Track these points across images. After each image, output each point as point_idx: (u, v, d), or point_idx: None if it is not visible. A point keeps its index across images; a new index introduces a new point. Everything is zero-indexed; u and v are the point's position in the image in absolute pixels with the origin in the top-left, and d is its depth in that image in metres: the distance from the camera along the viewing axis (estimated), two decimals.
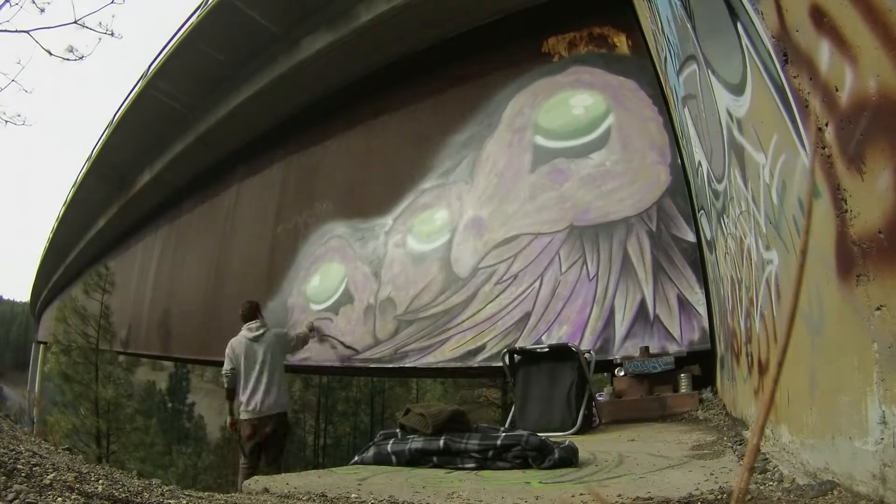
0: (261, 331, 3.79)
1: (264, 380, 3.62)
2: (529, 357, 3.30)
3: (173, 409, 27.18)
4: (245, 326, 3.88)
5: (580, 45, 4.90)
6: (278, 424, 3.65)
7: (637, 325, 3.88)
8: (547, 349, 3.25)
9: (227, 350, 3.91)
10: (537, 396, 3.10)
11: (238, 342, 3.84)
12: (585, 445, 2.15)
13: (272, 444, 3.64)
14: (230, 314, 7.91)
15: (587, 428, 2.99)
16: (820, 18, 1.04)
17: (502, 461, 1.91)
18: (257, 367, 3.65)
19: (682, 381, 3.44)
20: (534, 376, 3.18)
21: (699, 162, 2.91)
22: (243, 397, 3.67)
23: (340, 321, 5.95)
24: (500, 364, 3.39)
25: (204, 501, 1.25)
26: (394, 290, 5.51)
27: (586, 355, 3.15)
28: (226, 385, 3.83)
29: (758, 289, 1.78)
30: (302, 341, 4.26)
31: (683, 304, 3.73)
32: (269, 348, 3.74)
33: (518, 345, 3.38)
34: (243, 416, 3.66)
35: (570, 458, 1.87)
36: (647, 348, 3.68)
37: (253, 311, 3.99)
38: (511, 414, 3.21)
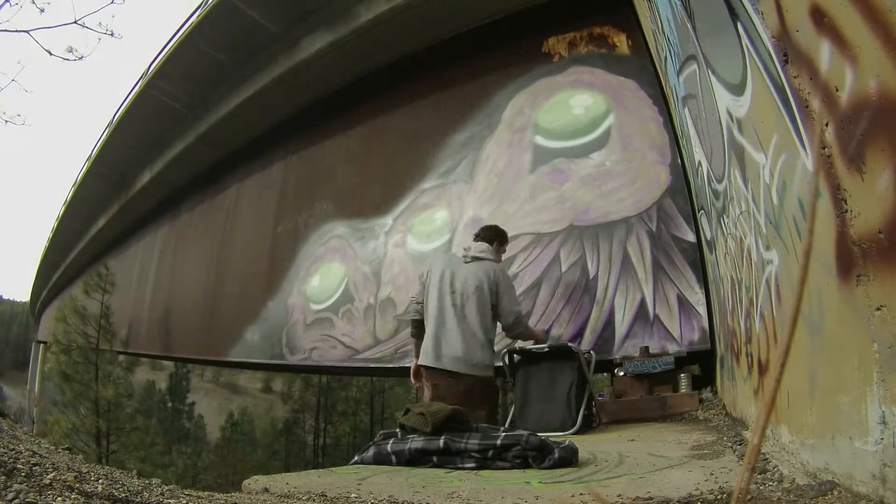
0: (482, 254, 2.77)
1: (463, 320, 2.65)
2: (529, 357, 3.29)
3: (173, 409, 27.22)
4: (464, 247, 2.96)
5: (580, 45, 4.90)
6: (478, 389, 2.66)
7: (637, 325, 3.88)
8: (547, 349, 3.23)
9: (421, 272, 3.03)
10: (538, 396, 3.08)
11: (440, 260, 2.95)
12: (585, 445, 2.15)
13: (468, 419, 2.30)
14: (230, 314, 7.94)
15: (587, 428, 2.98)
16: (820, 18, 1.04)
17: (502, 461, 1.91)
18: (455, 300, 2.68)
19: (682, 381, 3.44)
20: (534, 376, 3.16)
21: (699, 162, 2.91)
22: (430, 337, 2.73)
23: (340, 321, 5.95)
24: (500, 364, 3.38)
25: (204, 501, 1.25)
26: (394, 290, 5.51)
27: (586, 355, 3.14)
28: (411, 315, 2.97)
29: (758, 289, 1.78)
30: (522, 327, 3.03)
31: (683, 304, 3.73)
32: (478, 280, 2.72)
33: (518, 345, 3.37)
34: (422, 360, 2.77)
35: (570, 458, 1.87)
36: (647, 348, 3.68)
37: (490, 236, 2.96)
38: (511, 414, 3.20)
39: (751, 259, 1.88)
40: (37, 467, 1.03)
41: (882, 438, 0.93)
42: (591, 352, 3.31)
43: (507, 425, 2.89)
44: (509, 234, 4.67)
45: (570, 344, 3.36)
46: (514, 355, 3.32)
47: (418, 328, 2.93)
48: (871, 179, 0.93)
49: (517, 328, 2.93)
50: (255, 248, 7.82)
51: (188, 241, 10.05)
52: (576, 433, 2.80)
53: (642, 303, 3.91)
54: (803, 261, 0.40)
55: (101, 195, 12.43)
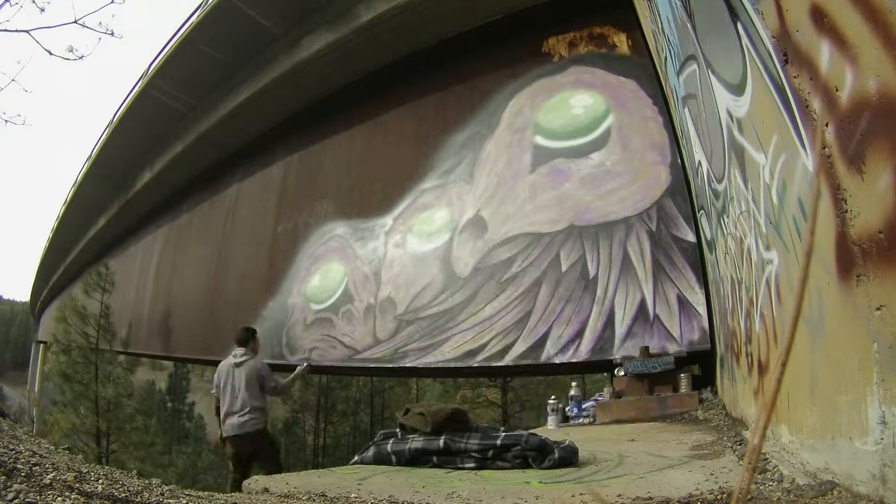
0: (244, 358, 3.95)
1: (238, 403, 3.82)
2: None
3: (173, 409, 27.19)
4: (233, 352, 4.05)
5: (580, 45, 4.90)
6: (257, 441, 3.83)
7: (637, 325, 3.88)
8: None
9: (214, 376, 4.17)
10: None
11: (224, 365, 4.06)
12: (585, 445, 2.15)
13: (263, 458, 3.87)
14: (230, 314, 7.94)
15: None
16: (820, 18, 1.04)
17: (502, 461, 1.91)
18: (232, 391, 3.86)
19: (682, 381, 3.44)
20: None
21: (699, 162, 2.91)
22: (223, 417, 3.89)
23: (340, 321, 5.95)
24: (501, 364, 3.39)
25: (204, 501, 1.25)
26: (394, 290, 5.51)
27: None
28: (213, 403, 4.08)
29: (758, 289, 1.78)
30: (281, 390, 4.28)
31: (683, 304, 3.73)
32: (247, 375, 3.92)
33: (518, 344, 3.37)
34: (226, 433, 3.90)
35: (570, 458, 1.87)
36: (647, 348, 3.68)
37: (245, 339, 4.09)
38: None
39: (751, 259, 1.88)
40: (37, 467, 1.03)
41: (882, 438, 0.93)
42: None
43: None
44: (509, 234, 4.70)
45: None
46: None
47: (218, 413, 3.97)
48: (871, 179, 0.93)
49: (277, 392, 4.14)
50: (255, 248, 7.82)
51: (188, 241, 10.05)
52: None
53: (642, 303, 3.91)
54: (805, 261, 0.40)
55: (101, 195, 12.43)
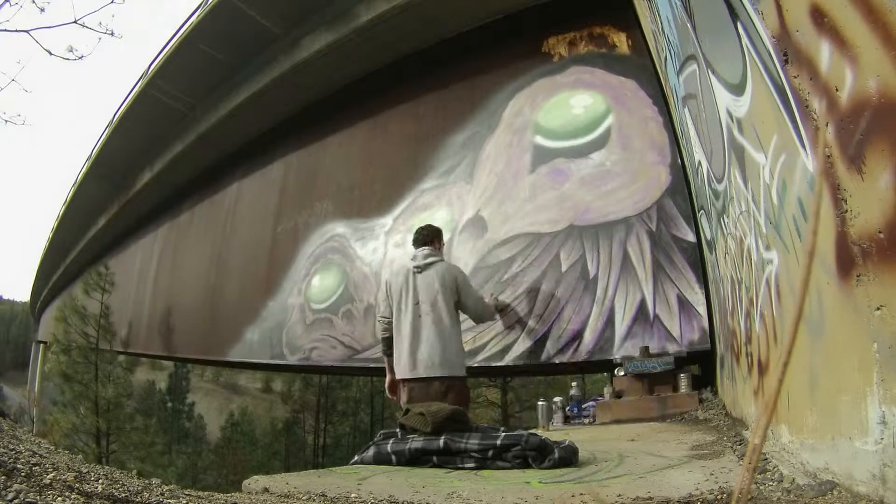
0: (429, 260, 2.82)
1: (425, 330, 2.75)
2: None
3: (173, 409, 27.20)
4: (411, 255, 3.00)
5: (580, 45, 4.90)
6: (453, 388, 2.74)
7: (637, 325, 3.87)
8: None
9: (381, 286, 3.09)
10: None
11: (394, 274, 3.00)
12: (585, 445, 2.15)
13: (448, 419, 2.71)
14: (230, 314, 7.94)
15: None
16: (820, 18, 1.04)
17: (502, 461, 1.91)
18: (414, 311, 2.78)
19: (682, 381, 3.44)
20: None
21: (699, 162, 2.91)
22: (400, 351, 2.83)
23: (340, 321, 5.95)
24: (501, 364, 3.38)
25: (204, 501, 1.25)
26: None
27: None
28: (381, 334, 3.02)
29: (758, 289, 1.78)
30: (489, 311, 3.18)
31: (683, 304, 3.73)
32: (438, 284, 2.78)
33: (518, 344, 3.37)
34: (402, 374, 2.85)
35: (570, 458, 1.87)
36: (647, 348, 3.68)
37: (428, 236, 3.05)
38: None
39: (751, 259, 1.88)
40: (37, 467, 1.03)
41: (882, 438, 0.93)
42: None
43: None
44: (509, 234, 4.68)
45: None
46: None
47: (389, 346, 3.06)
48: (871, 179, 0.93)
49: (484, 316, 3.21)
50: (255, 248, 7.82)
51: (188, 240, 10.05)
52: None
53: (642, 303, 3.91)
54: (806, 261, 0.40)
55: (101, 195, 12.43)
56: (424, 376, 2.80)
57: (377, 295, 3.25)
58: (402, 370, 2.87)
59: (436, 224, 5.26)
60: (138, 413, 16.41)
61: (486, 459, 1.92)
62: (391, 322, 3.02)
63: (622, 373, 3.65)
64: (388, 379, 3.10)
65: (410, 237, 5.56)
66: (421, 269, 2.91)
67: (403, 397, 2.90)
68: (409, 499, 1.48)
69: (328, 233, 6.57)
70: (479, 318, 3.18)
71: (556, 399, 3.50)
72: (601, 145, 4.48)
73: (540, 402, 3.42)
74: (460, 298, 2.92)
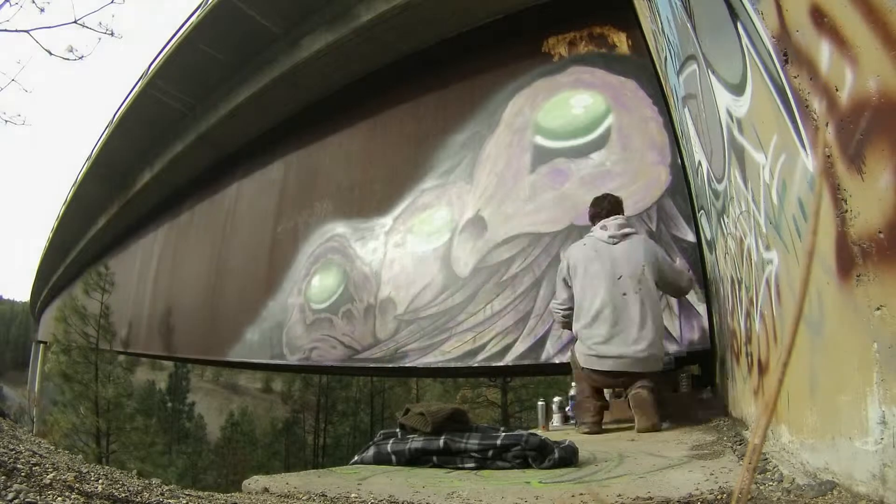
0: (626, 230, 2.41)
1: (626, 313, 2.25)
2: None
3: (173, 409, 27.19)
4: (599, 225, 2.53)
5: (580, 45, 4.90)
6: (656, 384, 2.33)
7: None
8: None
9: (560, 267, 2.55)
10: None
11: (582, 247, 2.47)
12: (585, 445, 2.15)
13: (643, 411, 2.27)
14: (230, 314, 7.94)
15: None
16: (820, 18, 1.04)
17: (502, 461, 1.91)
18: (609, 291, 2.28)
19: (682, 381, 3.44)
20: None
21: (699, 162, 2.91)
22: (585, 335, 2.35)
23: (340, 321, 5.95)
24: (501, 364, 3.38)
25: (204, 501, 1.24)
26: (394, 290, 5.51)
27: None
28: (561, 317, 2.55)
29: (758, 289, 1.78)
30: (686, 282, 2.65)
31: (683, 303, 3.73)
32: (643, 258, 2.33)
33: (518, 344, 3.37)
34: (594, 364, 2.36)
35: (570, 458, 1.87)
36: None
37: (618, 205, 2.61)
38: None
39: (751, 259, 1.88)
40: (37, 467, 1.03)
41: (882, 438, 0.93)
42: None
43: None
44: (509, 234, 4.69)
45: None
46: None
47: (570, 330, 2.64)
48: (871, 179, 0.93)
49: (689, 288, 2.72)
50: (255, 248, 7.82)
51: (188, 240, 10.05)
52: None
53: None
54: (806, 261, 0.40)
55: (101, 195, 12.44)
56: (632, 370, 2.36)
57: (557, 277, 2.62)
58: (594, 360, 2.39)
59: (436, 224, 5.26)
60: (138, 413, 16.41)
61: (486, 459, 1.92)
62: (571, 308, 2.51)
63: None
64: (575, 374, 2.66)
65: (410, 237, 5.63)
66: (617, 239, 2.43)
67: (594, 397, 2.45)
68: (409, 499, 1.48)
69: (328, 233, 6.57)
70: (683, 291, 2.72)
71: (556, 399, 3.49)
72: (601, 145, 4.48)
73: (539, 402, 3.42)
74: (662, 275, 2.44)
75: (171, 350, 10.20)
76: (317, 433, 22.85)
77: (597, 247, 2.42)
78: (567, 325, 2.62)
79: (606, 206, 2.65)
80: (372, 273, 5.83)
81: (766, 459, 1.52)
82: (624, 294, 2.32)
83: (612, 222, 2.51)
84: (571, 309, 2.53)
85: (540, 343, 4.24)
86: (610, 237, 2.44)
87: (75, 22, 3.39)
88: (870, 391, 0.95)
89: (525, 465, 1.87)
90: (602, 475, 1.67)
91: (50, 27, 3.38)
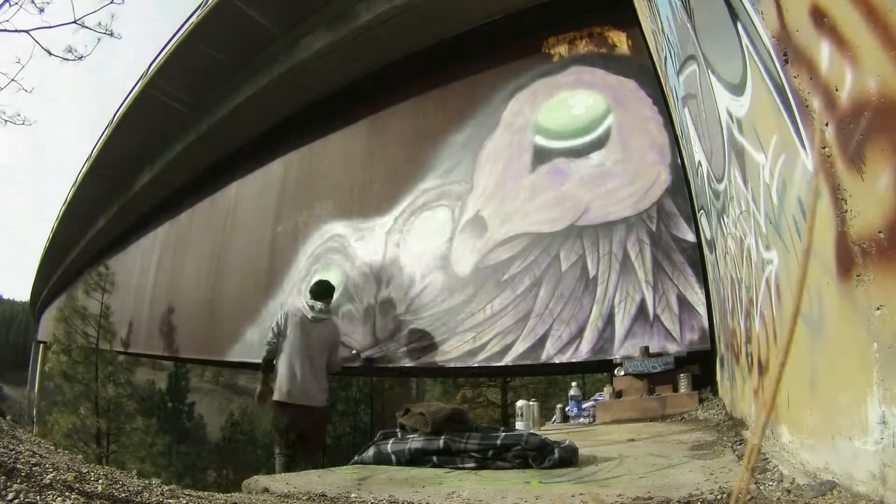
0: (324, 315, 3.50)
1: (307, 366, 3.36)
2: None
3: (173, 409, 27.16)
4: (308, 302, 3.60)
5: (580, 45, 4.90)
6: (321, 419, 3.45)
7: (637, 325, 3.87)
8: None
9: (277, 318, 3.64)
10: None
11: (294, 313, 3.58)
12: (585, 445, 2.15)
13: (313, 443, 3.44)
14: (230, 314, 7.93)
15: None
16: (820, 18, 1.04)
17: (502, 461, 1.91)
18: (304, 349, 3.39)
19: (682, 381, 3.44)
20: None
21: (699, 162, 2.91)
22: (283, 378, 3.38)
23: (340, 321, 5.95)
24: (501, 364, 3.39)
25: (204, 501, 1.24)
26: (394, 290, 5.51)
27: None
28: (265, 354, 3.56)
29: (758, 289, 1.78)
30: (339, 367, 3.92)
31: (683, 304, 3.73)
32: (326, 337, 3.46)
33: (518, 344, 3.38)
34: (281, 397, 3.39)
35: (570, 458, 1.87)
36: (647, 348, 3.68)
37: (326, 291, 3.67)
38: None
39: (751, 259, 1.88)
40: (37, 467, 1.03)
41: (882, 438, 0.93)
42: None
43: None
44: (509, 234, 4.69)
45: None
46: None
47: (269, 367, 3.60)
48: (871, 179, 0.93)
49: (337, 368, 3.86)
50: (254, 248, 7.82)
51: (188, 240, 10.04)
52: None
53: (642, 303, 3.91)
54: (803, 260, 0.40)
55: (101, 195, 12.43)
56: (304, 404, 3.40)
57: (274, 320, 3.73)
58: (284, 395, 3.39)
59: (436, 224, 5.31)
60: (138, 413, 16.39)
61: (486, 459, 1.92)
62: (276, 347, 3.59)
63: (622, 373, 3.65)
64: (259, 389, 3.72)
65: (410, 237, 5.63)
66: (317, 320, 3.50)
67: (283, 417, 3.41)
68: (409, 499, 1.48)
69: (328, 233, 6.57)
70: (333, 369, 3.79)
71: (519, 403, 3.53)
72: (601, 145, 4.47)
73: (518, 403, 3.46)
74: (331, 353, 3.58)
75: (171, 350, 10.19)
76: None
77: (303, 320, 3.44)
78: (270, 360, 3.56)
79: (318, 292, 3.67)
80: (372, 273, 5.83)
81: (766, 459, 1.52)
82: (309, 356, 3.40)
83: (317, 304, 3.51)
84: (276, 347, 3.56)
85: (540, 343, 4.24)
86: (312, 317, 3.44)
87: (75, 22, 3.39)
88: (870, 391, 0.95)
89: (525, 465, 1.87)
90: (602, 475, 1.67)
91: (50, 27, 3.39)
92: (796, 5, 1.13)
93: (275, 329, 3.60)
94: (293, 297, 6.70)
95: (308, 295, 3.76)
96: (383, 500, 1.48)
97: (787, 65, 1.20)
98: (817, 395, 1.24)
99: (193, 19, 7.26)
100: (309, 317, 3.51)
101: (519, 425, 3.37)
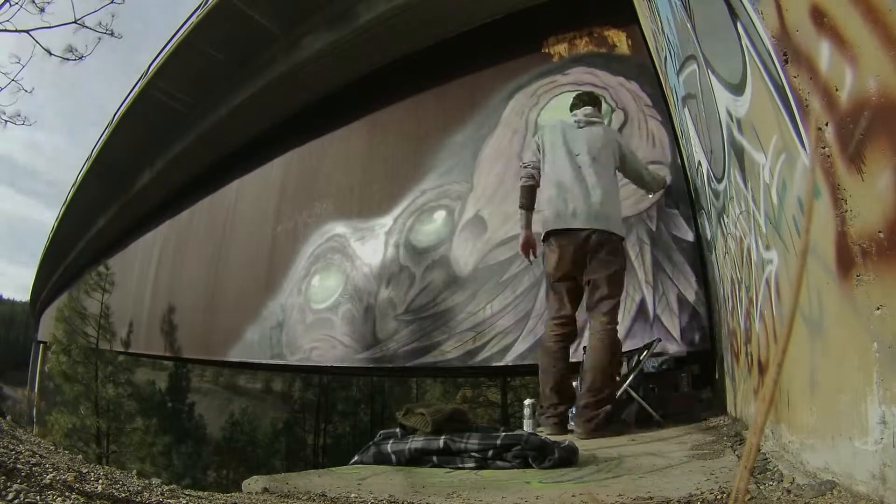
0: (594, 119, 2.70)
1: (585, 183, 2.50)
2: None
3: (173, 409, 27.15)
4: (573, 113, 2.83)
5: (580, 45, 4.90)
6: (613, 252, 2.50)
7: (637, 325, 3.87)
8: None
9: (535, 139, 2.88)
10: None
11: (553, 127, 2.78)
12: (585, 445, 2.15)
13: (605, 284, 2.48)
14: (230, 314, 7.94)
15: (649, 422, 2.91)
16: (820, 18, 1.04)
17: (502, 461, 1.91)
18: (571, 164, 2.57)
19: (682, 381, 3.44)
20: None
21: (699, 162, 2.91)
22: (552, 198, 2.58)
23: (340, 321, 5.95)
24: (501, 364, 3.39)
25: (204, 501, 1.24)
26: (393, 290, 5.51)
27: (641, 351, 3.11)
28: (522, 182, 2.78)
29: (758, 289, 1.78)
30: (647, 174, 2.95)
31: (683, 304, 3.73)
32: (602, 144, 2.63)
33: (518, 344, 3.38)
34: (553, 225, 2.57)
35: (570, 458, 1.87)
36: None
37: (594, 100, 2.85)
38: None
39: (751, 259, 1.88)
40: (37, 467, 1.03)
41: (882, 438, 0.93)
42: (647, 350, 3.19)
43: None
44: (509, 234, 4.68)
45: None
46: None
47: (529, 198, 2.87)
48: (871, 179, 0.93)
49: (653, 183, 3.01)
50: (255, 248, 7.82)
51: (188, 240, 10.05)
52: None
53: (642, 303, 3.91)
54: (800, 260, 0.40)
55: (101, 195, 12.44)
56: (587, 227, 2.55)
57: (524, 150, 3.03)
58: (554, 221, 2.63)
59: (436, 224, 5.26)
60: (138, 413, 16.40)
61: (486, 459, 1.92)
62: (538, 169, 2.78)
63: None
64: (523, 235, 2.90)
65: (410, 237, 5.63)
66: (583, 124, 2.73)
67: (551, 254, 2.66)
68: (409, 499, 1.48)
69: (328, 233, 6.57)
70: (647, 184, 2.98)
71: (527, 402, 3.47)
72: None
73: (527, 401, 3.43)
74: (625, 164, 2.75)
75: (171, 350, 10.20)
76: (317, 433, 22.86)
77: (564, 129, 2.75)
78: (530, 185, 2.84)
79: (580, 100, 2.94)
80: (372, 273, 5.83)
81: (766, 459, 1.52)
82: (579, 167, 2.63)
83: (581, 111, 2.81)
84: (538, 168, 2.83)
85: (540, 343, 4.24)
86: (576, 121, 2.76)
87: (75, 22, 3.40)
88: (870, 391, 0.95)
89: (525, 465, 1.87)
90: (602, 475, 1.67)
91: (50, 27, 3.39)
92: (796, 5, 1.14)
93: (535, 148, 2.80)
94: (293, 297, 6.70)
95: (570, 110, 2.90)
96: (383, 500, 1.48)
97: (786, 65, 1.20)
98: (817, 395, 1.24)
99: (193, 19, 7.26)
100: (575, 123, 2.69)
101: (526, 423, 3.36)
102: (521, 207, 2.90)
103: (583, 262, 2.60)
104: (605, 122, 3.03)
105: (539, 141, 2.86)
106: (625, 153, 2.82)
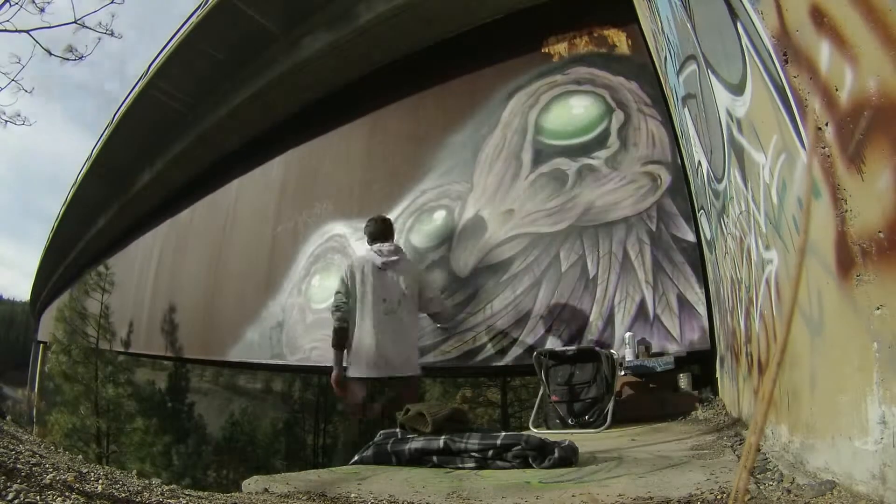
0: (394, 257, 2.76)
1: (393, 325, 2.63)
2: (557, 358, 3.35)
3: (173, 409, 27.14)
4: (373, 248, 2.88)
5: (580, 45, 4.90)
6: (411, 387, 2.71)
7: (637, 325, 3.87)
8: (573, 352, 3.30)
9: (342, 273, 2.91)
10: (561, 395, 3.17)
11: (360, 264, 2.81)
12: (585, 445, 2.15)
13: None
14: (230, 314, 7.94)
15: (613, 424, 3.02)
16: (820, 18, 1.04)
17: (502, 461, 1.91)
18: (382, 306, 2.65)
19: (682, 381, 3.44)
20: (560, 377, 3.26)
21: (699, 162, 2.91)
22: (357, 344, 2.69)
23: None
24: (501, 364, 3.39)
25: (204, 501, 1.24)
26: None
27: (609, 355, 3.20)
28: (335, 324, 2.78)
29: (758, 289, 1.78)
30: (447, 312, 3.03)
31: (683, 304, 3.73)
32: (405, 283, 2.70)
33: (518, 344, 3.38)
34: (355, 373, 2.70)
35: (570, 458, 1.87)
36: (647, 347, 3.68)
37: (388, 230, 2.90)
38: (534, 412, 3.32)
39: (751, 259, 1.88)
40: (37, 467, 1.03)
41: (882, 438, 0.93)
42: (614, 352, 3.35)
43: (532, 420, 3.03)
44: (509, 234, 4.69)
45: (595, 347, 3.41)
46: (542, 357, 3.41)
47: (343, 337, 2.89)
48: (871, 179, 0.93)
49: (443, 312, 3.15)
50: (254, 248, 7.82)
51: (188, 241, 10.05)
52: (606, 429, 2.91)
53: (642, 303, 3.91)
54: (798, 260, 0.40)
55: (101, 195, 12.44)
56: (390, 375, 2.76)
57: (339, 277, 3.09)
58: (363, 369, 2.78)
59: (436, 224, 5.27)
60: (138, 413, 16.40)
61: (486, 459, 1.92)
62: (349, 312, 2.84)
63: (622, 372, 3.65)
64: (335, 374, 2.91)
65: (411, 237, 5.62)
66: (387, 266, 2.82)
67: (361, 394, 2.80)
68: (409, 499, 1.48)
69: (328, 233, 6.57)
70: (438, 315, 3.11)
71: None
72: (601, 145, 4.48)
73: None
74: (421, 295, 2.87)
75: (171, 350, 10.20)
76: (317, 433, 22.86)
77: (371, 271, 2.78)
78: (343, 328, 2.87)
79: (380, 231, 3.00)
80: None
81: (766, 459, 1.52)
82: (385, 314, 2.72)
83: (383, 247, 2.86)
84: (349, 312, 2.87)
85: (540, 343, 4.24)
86: (381, 264, 2.77)
87: (75, 22, 3.40)
88: (870, 391, 0.95)
89: (525, 464, 1.87)
90: (602, 475, 1.67)
91: (50, 27, 3.39)
92: (796, 5, 1.14)
93: (342, 289, 2.86)
94: (293, 297, 6.70)
95: (368, 241, 3.00)
96: (383, 500, 1.48)
97: (786, 65, 1.20)
98: (817, 395, 1.24)
99: (193, 19, 7.26)
100: (379, 263, 2.75)
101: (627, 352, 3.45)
102: (334, 346, 2.94)
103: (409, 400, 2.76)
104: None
105: (347, 278, 2.90)
106: (423, 286, 2.93)
